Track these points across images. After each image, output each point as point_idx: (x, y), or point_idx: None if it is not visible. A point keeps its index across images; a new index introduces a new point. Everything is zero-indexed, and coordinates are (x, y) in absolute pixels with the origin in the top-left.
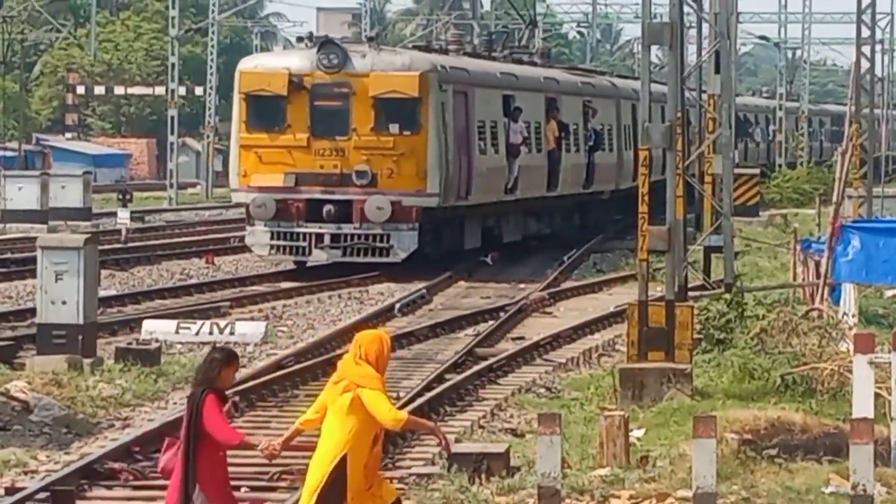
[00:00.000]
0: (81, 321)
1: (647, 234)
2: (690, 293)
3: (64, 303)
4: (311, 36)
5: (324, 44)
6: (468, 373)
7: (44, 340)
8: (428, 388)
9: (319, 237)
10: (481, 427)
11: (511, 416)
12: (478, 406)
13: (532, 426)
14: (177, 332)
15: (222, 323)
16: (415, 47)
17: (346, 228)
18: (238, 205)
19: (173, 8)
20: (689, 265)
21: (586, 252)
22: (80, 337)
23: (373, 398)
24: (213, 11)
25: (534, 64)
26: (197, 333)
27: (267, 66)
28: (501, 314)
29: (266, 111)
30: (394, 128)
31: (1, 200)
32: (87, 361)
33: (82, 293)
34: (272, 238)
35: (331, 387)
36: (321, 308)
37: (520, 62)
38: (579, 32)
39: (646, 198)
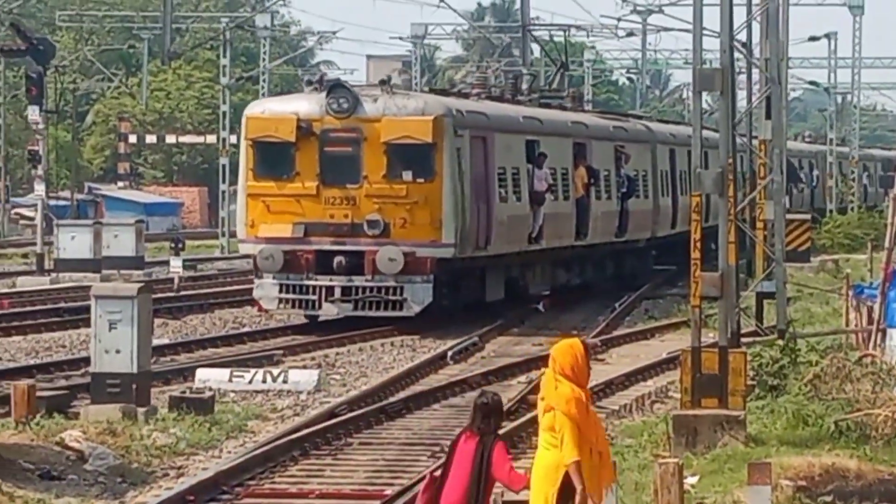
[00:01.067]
0: (135, 370)
1: (700, 281)
2: (743, 339)
3: (118, 352)
4: (321, 79)
5: (333, 87)
6: (521, 420)
7: (98, 389)
8: None
9: (330, 290)
10: None
11: None
12: (531, 453)
13: None
14: (230, 381)
15: (275, 371)
16: (431, 90)
17: (358, 281)
18: (246, 256)
19: (224, 57)
20: (742, 311)
21: (638, 298)
22: (134, 386)
23: (561, 425)
24: (263, 60)
25: (563, 108)
26: (250, 382)
27: (274, 112)
28: None
29: (274, 158)
30: (407, 175)
31: (54, 250)
32: (141, 410)
33: (136, 342)
34: (280, 291)
35: (539, 402)
36: (374, 355)
37: (547, 106)
38: (629, 79)
39: (698, 244)
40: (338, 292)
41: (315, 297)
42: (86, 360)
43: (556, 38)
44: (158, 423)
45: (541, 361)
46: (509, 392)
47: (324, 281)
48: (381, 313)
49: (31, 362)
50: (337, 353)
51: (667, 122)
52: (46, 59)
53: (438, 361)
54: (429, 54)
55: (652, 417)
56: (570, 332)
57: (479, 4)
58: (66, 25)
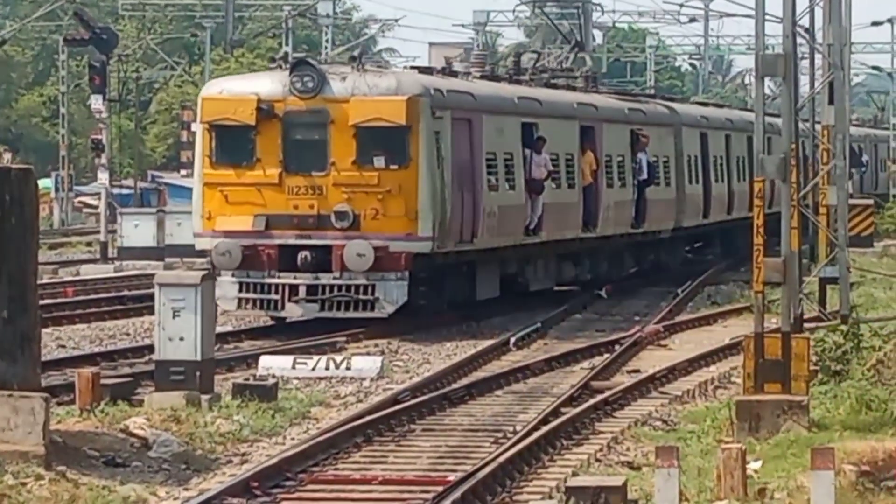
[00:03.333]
0: (199, 357)
1: (763, 266)
2: (806, 325)
3: (182, 339)
4: (285, 57)
5: (296, 64)
6: (584, 406)
7: (162, 377)
8: (544, 421)
9: (294, 289)
10: (598, 460)
11: (628, 450)
12: (594, 439)
13: (649, 459)
14: (293, 368)
15: (339, 358)
16: (413, 68)
17: (325, 279)
18: (204, 253)
19: (286, 45)
20: (805, 297)
21: (700, 284)
22: (198, 373)
23: None
24: (325, 48)
25: (572, 89)
26: (313, 369)
27: (233, 92)
28: (616, 347)
29: (232, 144)
30: (378, 161)
31: (117, 238)
32: (204, 397)
33: (200, 329)
34: (240, 290)
35: None
36: (436, 342)
37: (554, 87)
38: (691, 65)
39: (761, 230)
40: (302, 291)
41: (277, 297)
42: (149, 348)
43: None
44: (222, 411)
45: (603, 348)
46: (571, 378)
47: (287, 279)
48: (351, 314)
49: (95, 350)
50: (400, 340)
51: (718, 105)
52: (109, 49)
53: (501, 348)
54: (491, 41)
55: (715, 403)
56: (632, 318)
57: None
58: (129, 14)
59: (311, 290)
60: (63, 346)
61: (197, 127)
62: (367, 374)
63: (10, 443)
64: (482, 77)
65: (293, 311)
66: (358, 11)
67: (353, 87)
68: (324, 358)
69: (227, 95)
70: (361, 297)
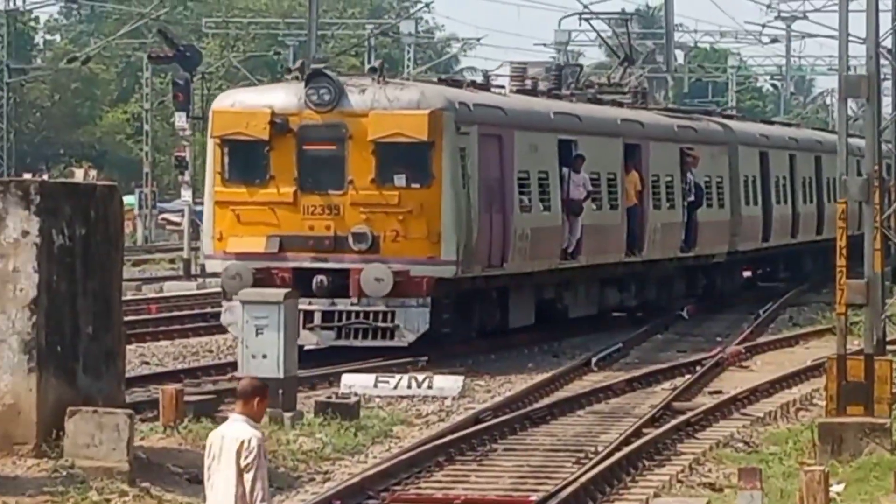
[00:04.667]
0: (282, 375)
1: (846, 288)
2: (889, 347)
3: (264, 357)
4: (301, 67)
5: (312, 76)
6: (666, 427)
7: None
8: (626, 442)
9: (308, 315)
10: (679, 482)
11: (709, 471)
12: (676, 461)
13: (731, 481)
14: (375, 386)
15: (420, 377)
16: (440, 81)
17: (341, 304)
18: (216, 275)
19: (369, 63)
20: (888, 319)
21: (782, 305)
22: (281, 391)
23: None
24: (407, 66)
25: (618, 105)
26: (395, 387)
27: (245, 104)
28: (698, 368)
29: (244, 160)
30: (399, 180)
31: (201, 255)
32: (287, 415)
33: (282, 347)
34: None
35: None
36: (518, 362)
37: (598, 102)
38: (773, 85)
39: (843, 251)
40: (318, 318)
41: None
42: (232, 365)
43: (699, 45)
44: (304, 428)
45: (684, 368)
46: (653, 399)
47: (302, 304)
48: (369, 342)
49: (179, 367)
50: (482, 359)
51: (747, 119)
52: (193, 66)
53: (582, 368)
54: (573, 60)
55: (797, 425)
56: (713, 339)
57: (623, 10)
58: (213, 32)
59: (327, 316)
60: (147, 363)
61: (208, 142)
62: (449, 393)
63: (94, 459)
64: (518, 91)
65: (308, 339)
66: (440, 30)
67: (372, 100)
68: (406, 376)
69: (239, 108)
70: (380, 324)
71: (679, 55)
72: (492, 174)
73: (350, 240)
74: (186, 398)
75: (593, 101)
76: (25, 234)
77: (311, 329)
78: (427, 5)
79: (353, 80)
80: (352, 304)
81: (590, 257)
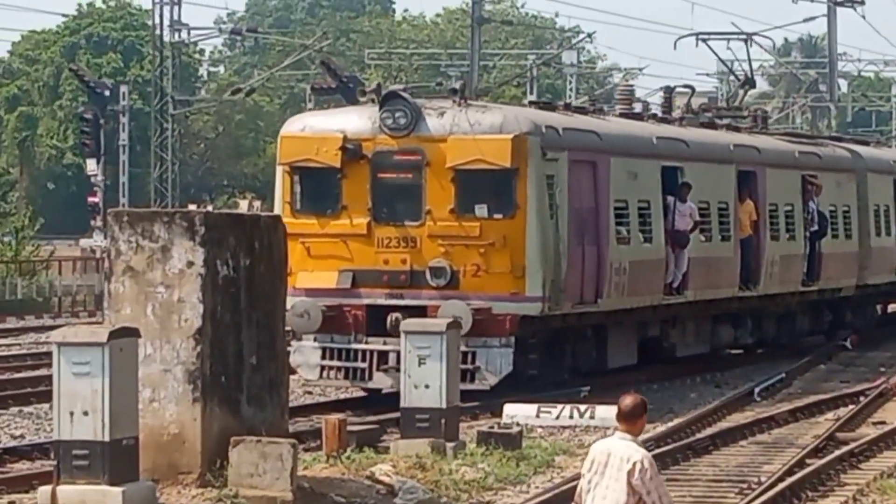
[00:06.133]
0: (444, 405)
1: None
2: None
3: (427, 387)
4: (377, 89)
5: (387, 98)
6: (829, 457)
7: (408, 424)
8: (789, 472)
9: (383, 356)
10: None
11: (873, 502)
12: (839, 491)
13: None
14: (537, 416)
15: (582, 407)
16: (531, 104)
17: None
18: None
19: (531, 93)
20: None
21: None
22: (443, 421)
23: None
24: (569, 96)
25: (735, 129)
26: (557, 417)
27: (316, 129)
28: (862, 398)
29: (315, 189)
30: (480, 210)
31: None
32: (449, 445)
33: (445, 377)
34: (323, 357)
35: None
36: (680, 392)
37: (712, 126)
38: None
39: None
40: (393, 359)
41: (364, 365)
42: (395, 396)
43: (863, 74)
44: (467, 458)
45: (848, 399)
46: (816, 429)
47: (376, 344)
48: None
49: (342, 397)
50: (645, 389)
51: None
52: (355, 97)
53: (745, 398)
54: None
55: None
56: (877, 369)
57: (786, 40)
58: (375, 63)
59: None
60: (310, 393)
61: (277, 169)
62: (611, 423)
63: (258, 488)
64: (622, 115)
65: (382, 382)
66: (602, 60)
67: (451, 123)
68: (568, 406)
69: (309, 133)
70: (460, 366)
71: (843, 84)
72: (584, 203)
73: (427, 275)
74: (349, 428)
75: (707, 126)
76: (190, 264)
77: (385, 371)
78: (589, 36)
79: (431, 102)
80: None
81: (698, 292)
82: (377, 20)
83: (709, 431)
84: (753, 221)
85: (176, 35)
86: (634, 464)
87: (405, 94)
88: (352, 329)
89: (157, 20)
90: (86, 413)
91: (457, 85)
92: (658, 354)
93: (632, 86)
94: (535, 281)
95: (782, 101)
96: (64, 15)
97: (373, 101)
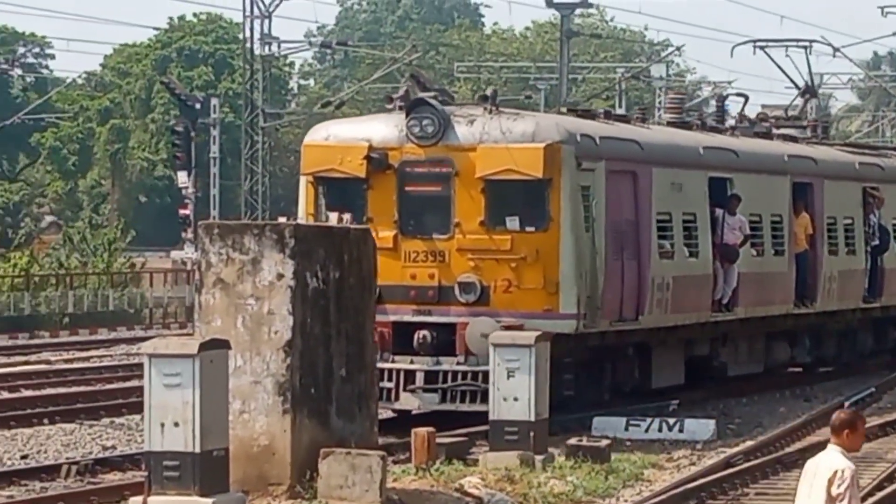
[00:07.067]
0: (533, 418)
1: None
2: None
3: (516, 399)
4: (405, 96)
5: (415, 105)
6: None
7: (497, 437)
8: (879, 487)
9: (410, 376)
10: None
11: None
12: None
13: None
14: (626, 430)
15: (671, 420)
16: (570, 111)
17: (447, 364)
18: None
19: (620, 107)
20: None
21: None
22: (532, 433)
23: None
24: (658, 110)
25: (791, 139)
26: (646, 431)
27: (340, 138)
28: None
29: (339, 200)
30: (512, 222)
31: None
32: (538, 458)
33: (534, 390)
34: None
35: None
36: (769, 405)
37: (767, 136)
38: None
39: None
40: (420, 379)
41: (391, 385)
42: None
43: None
44: (556, 471)
45: None
46: None
47: (402, 363)
48: (477, 407)
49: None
50: (734, 403)
51: None
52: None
53: (834, 412)
54: (823, 104)
55: None
56: None
57: (876, 53)
58: (464, 77)
59: (431, 377)
60: None
61: (301, 179)
62: (700, 436)
63: (347, 500)
64: (670, 124)
65: (409, 403)
66: (691, 73)
67: (481, 132)
68: (657, 420)
69: (333, 142)
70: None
71: None
72: (623, 216)
73: (456, 290)
74: (438, 440)
75: (763, 136)
76: (280, 276)
77: (412, 391)
78: (678, 49)
79: (461, 109)
80: (457, 364)
81: (749, 309)
82: (466, 33)
83: (798, 445)
84: (809, 235)
85: (267, 48)
86: (835, 472)
87: (433, 102)
88: (377, 347)
89: (248, 33)
90: (177, 424)
91: (488, 92)
92: (708, 373)
93: (683, 94)
94: (569, 297)
95: (871, 114)
96: (156, 28)
97: (400, 107)
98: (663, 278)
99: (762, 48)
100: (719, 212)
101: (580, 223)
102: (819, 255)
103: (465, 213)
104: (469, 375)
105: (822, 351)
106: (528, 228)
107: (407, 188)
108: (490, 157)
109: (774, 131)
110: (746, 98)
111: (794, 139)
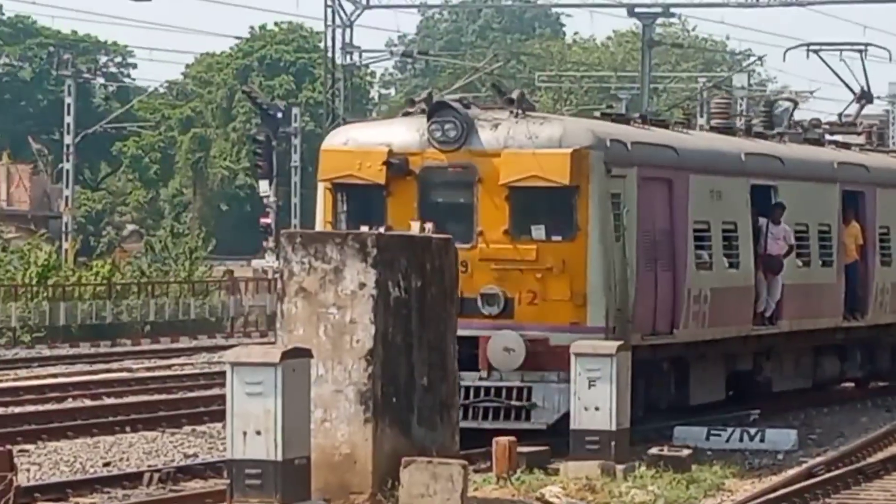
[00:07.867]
0: (614, 427)
1: None
2: None
3: (597, 409)
4: (428, 99)
5: (436, 108)
6: None
7: (578, 446)
8: None
9: None
10: None
11: None
12: None
13: None
14: (707, 439)
15: (752, 430)
16: (604, 115)
17: (469, 379)
18: None
19: (700, 117)
20: None
21: None
22: (613, 443)
23: None
24: (738, 119)
25: (845, 146)
26: (727, 440)
27: (359, 143)
28: None
29: (358, 207)
30: (537, 231)
31: None
32: (619, 467)
33: (615, 399)
34: None
35: None
36: (851, 416)
37: (817, 143)
38: None
39: None
40: None
41: None
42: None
43: None
44: (637, 481)
45: None
46: None
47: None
48: (500, 424)
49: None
50: (815, 413)
51: None
52: None
53: None
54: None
55: None
56: None
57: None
58: (545, 86)
59: None
60: None
61: (318, 186)
62: (782, 446)
63: None
64: (714, 129)
65: None
66: (773, 83)
67: (506, 136)
68: (738, 430)
69: (352, 147)
70: (514, 402)
71: None
72: (657, 225)
73: (479, 302)
74: (520, 449)
75: (812, 142)
76: (362, 286)
77: None
78: (760, 59)
79: (485, 113)
80: (480, 379)
81: (794, 322)
82: (548, 43)
83: (880, 456)
84: (860, 246)
85: (348, 57)
86: None
87: (456, 105)
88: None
89: (330, 43)
90: (258, 433)
91: (514, 95)
92: (751, 389)
93: (728, 99)
94: (597, 310)
95: (794, 99)
96: (237, 37)
97: (423, 110)
98: (700, 290)
99: (815, 52)
100: (763, 221)
101: (609, 232)
102: (870, 266)
103: (488, 221)
104: (493, 391)
105: (875, 365)
106: (554, 238)
107: (428, 195)
108: (515, 162)
109: (827, 138)
110: (795, 103)
111: (846, 146)
